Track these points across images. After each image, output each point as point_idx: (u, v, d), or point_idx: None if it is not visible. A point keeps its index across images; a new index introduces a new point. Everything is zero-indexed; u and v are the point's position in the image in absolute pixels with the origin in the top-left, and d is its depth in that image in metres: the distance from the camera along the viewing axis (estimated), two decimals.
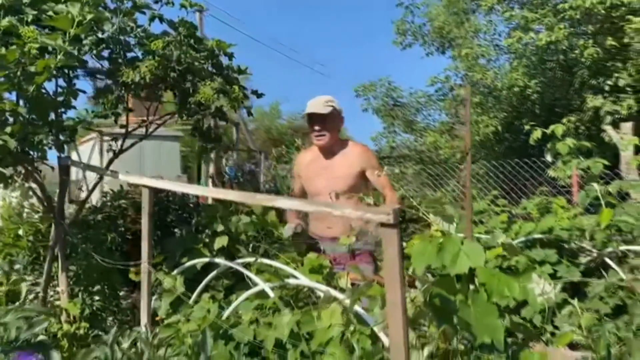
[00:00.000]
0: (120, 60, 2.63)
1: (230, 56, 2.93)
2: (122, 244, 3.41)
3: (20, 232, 3.69)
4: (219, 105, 2.52)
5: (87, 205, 3.63)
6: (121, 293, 3.22)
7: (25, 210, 4.06)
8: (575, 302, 1.88)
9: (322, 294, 2.21)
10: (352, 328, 1.70)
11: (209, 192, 2.13)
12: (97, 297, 3.03)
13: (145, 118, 3.11)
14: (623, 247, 2.56)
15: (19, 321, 1.46)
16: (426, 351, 1.64)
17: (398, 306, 1.27)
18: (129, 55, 2.71)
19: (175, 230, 3.25)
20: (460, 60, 9.76)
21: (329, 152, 3.10)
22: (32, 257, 3.56)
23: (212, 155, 5.32)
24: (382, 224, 1.24)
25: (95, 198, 4.27)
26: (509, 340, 1.85)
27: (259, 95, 3.14)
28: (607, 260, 3.02)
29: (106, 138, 6.38)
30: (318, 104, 3.04)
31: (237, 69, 3.03)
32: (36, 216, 3.99)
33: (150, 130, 3.06)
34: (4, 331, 1.46)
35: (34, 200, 4.18)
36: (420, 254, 1.77)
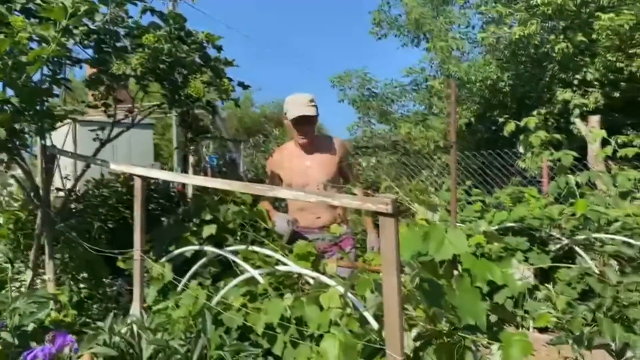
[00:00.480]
0: (109, 50, 2.65)
1: (219, 49, 2.97)
2: (106, 232, 3.44)
3: (0, 220, 3.67)
4: (210, 98, 2.57)
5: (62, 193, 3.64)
6: (106, 281, 3.25)
7: (4, 198, 4.04)
8: (550, 286, 2.02)
9: (310, 280, 2.31)
10: (348, 311, 1.79)
11: (207, 182, 2.18)
12: (82, 285, 3.06)
13: (130, 107, 3.13)
14: (595, 235, 2.72)
15: (29, 306, 1.50)
16: (414, 332, 1.75)
17: (394, 290, 1.36)
18: (118, 45, 2.73)
19: (162, 219, 3.28)
20: (434, 52, 9.91)
21: (310, 147, 3.18)
22: (13, 245, 3.55)
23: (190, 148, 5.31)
24: (381, 214, 1.33)
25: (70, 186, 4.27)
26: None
27: (246, 87, 3.18)
28: (576, 248, 3.20)
29: (84, 126, 6.32)
30: (304, 105, 3.08)
31: (224, 61, 3.06)
32: (16, 204, 3.96)
33: (137, 119, 3.07)
34: (9, 317, 1.50)
35: (13, 188, 4.16)
36: (408, 241, 1.88)
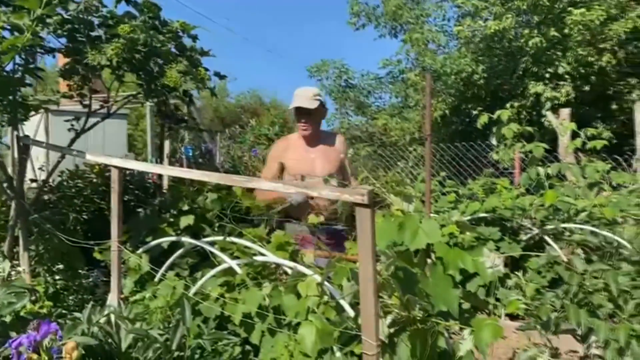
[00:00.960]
0: (83, 40, 2.62)
1: (194, 38, 2.96)
2: (81, 224, 3.42)
3: None
4: (187, 88, 2.57)
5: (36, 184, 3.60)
6: (81, 272, 3.23)
7: None
8: (520, 274, 2.09)
9: (288, 271, 2.35)
10: (325, 299, 1.83)
11: (186, 173, 2.17)
12: (58, 277, 3.04)
13: (105, 97, 3.10)
14: (564, 225, 2.80)
15: (8, 297, 1.50)
16: (389, 319, 1.80)
17: (370, 278, 1.40)
18: (92, 34, 2.70)
19: (139, 210, 3.28)
20: (411, 44, 9.99)
21: (313, 140, 3.25)
22: None
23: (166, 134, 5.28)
24: (358, 204, 1.37)
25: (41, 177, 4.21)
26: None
27: (222, 77, 3.18)
28: (545, 237, 3.31)
29: (56, 116, 6.22)
30: (306, 98, 3.16)
31: (200, 50, 3.05)
32: None
33: (113, 110, 3.05)
34: None
35: None
36: (383, 231, 1.92)
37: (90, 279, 3.17)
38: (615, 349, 1.87)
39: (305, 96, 3.18)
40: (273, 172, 3.34)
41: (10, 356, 1.34)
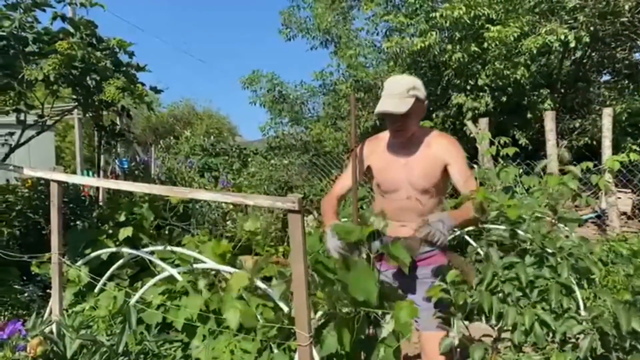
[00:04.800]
0: (19, 56, 2.65)
1: (131, 54, 3.04)
2: (16, 238, 3.38)
3: None
4: (125, 103, 2.66)
5: None
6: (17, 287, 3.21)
7: None
8: None
9: (228, 276, 2.48)
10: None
11: (131, 187, 2.23)
12: None
13: (40, 112, 3.12)
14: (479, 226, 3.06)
15: None
16: (319, 313, 1.98)
17: (302, 275, 1.58)
18: (26, 50, 2.74)
19: (77, 223, 3.29)
20: (342, 58, 10.31)
21: (407, 143, 2.52)
22: None
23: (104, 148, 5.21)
24: (290, 211, 1.54)
25: None
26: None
27: (158, 92, 3.28)
28: (466, 237, 3.63)
29: None
30: (397, 96, 2.38)
31: (136, 66, 3.14)
32: None
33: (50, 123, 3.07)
34: None
35: None
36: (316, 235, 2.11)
37: (26, 294, 3.15)
38: (521, 332, 2.12)
39: (396, 94, 2.38)
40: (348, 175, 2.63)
41: None
